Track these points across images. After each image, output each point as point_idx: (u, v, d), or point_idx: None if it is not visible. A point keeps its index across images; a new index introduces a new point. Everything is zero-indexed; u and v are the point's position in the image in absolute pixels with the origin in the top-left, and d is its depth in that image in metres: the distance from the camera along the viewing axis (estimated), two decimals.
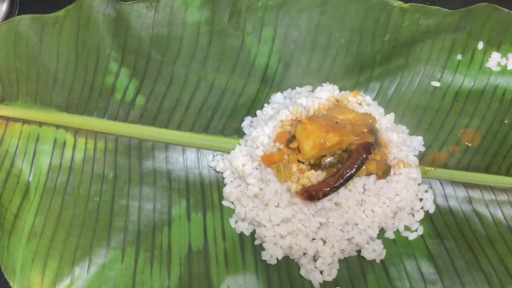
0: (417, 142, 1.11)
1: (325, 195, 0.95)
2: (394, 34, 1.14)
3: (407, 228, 1.04)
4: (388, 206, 1.01)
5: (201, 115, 1.13)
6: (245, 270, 0.99)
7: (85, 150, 1.07)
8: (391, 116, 1.11)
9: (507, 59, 1.12)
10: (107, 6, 1.10)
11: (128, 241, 0.99)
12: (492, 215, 1.06)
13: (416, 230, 1.04)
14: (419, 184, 1.06)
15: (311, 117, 1.03)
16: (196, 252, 1.00)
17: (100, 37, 1.10)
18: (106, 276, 0.95)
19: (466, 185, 1.10)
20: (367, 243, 1.00)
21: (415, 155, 1.09)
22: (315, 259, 1.00)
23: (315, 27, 1.14)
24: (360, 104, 1.09)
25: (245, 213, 1.01)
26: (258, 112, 1.13)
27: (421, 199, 1.06)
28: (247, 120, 1.13)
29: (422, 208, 1.06)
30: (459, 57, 1.13)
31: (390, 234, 1.03)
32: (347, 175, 0.95)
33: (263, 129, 1.05)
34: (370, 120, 1.03)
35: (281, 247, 0.99)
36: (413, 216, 1.05)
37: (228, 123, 1.14)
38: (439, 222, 1.05)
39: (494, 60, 1.12)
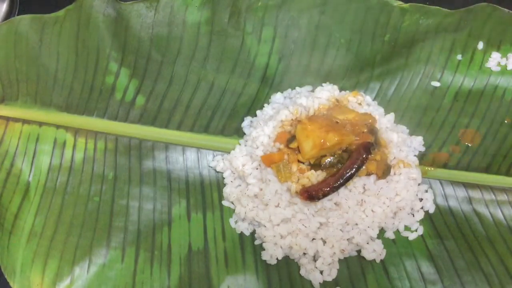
0: (417, 142, 1.11)
1: (325, 195, 0.95)
2: (394, 34, 1.14)
3: (407, 228, 1.04)
4: (388, 206, 1.01)
5: (201, 115, 1.13)
6: (245, 270, 0.99)
7: (85, 150, 1.07)
8: (391, 116, 1.11)
9: (507, 59, 1.12)
10: (107, 6, 1.10)
11: (128, 241, 0.99)
12: (492, 215, 1.06)
13: (416, 230, 1.04)
14: (419, 184, 1.06)
15: (311, 117, 1.03)
16: (196, 252, 1.00)
17: (100, 37, 1.10)
18: (106, 276, 0.95)
19: (466, 185, 1.10)
20: (367, 243, 1.00)
21: (415, 155, 1.09)
22: (315, 259, 1.00)
23: (315, 27, 1.14)
24: (360, 104, 1.09)
25: (245, 213, 1.01)
26: (258, 112, 1.13)
27: (421, 199, 1.06)
28: (247, 120, 1.13)
29: (422, 208, 1.06)
30: (459, 57, 1.13)
31: (390, 234, 1.03)
32: (347, 175, 0.95)
33: (263, 129, 1.05)
34: (370, 120, 1.03)
35: (281, 247, 0.99)
36: (413, 216, 1.05)
37: (228, 123, 1.14)
38: (439, 222, 1.05)
39: (494, 60, 1.12)
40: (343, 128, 0.99)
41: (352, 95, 1.09)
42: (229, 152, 1.09)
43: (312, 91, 1.12)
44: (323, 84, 1.13)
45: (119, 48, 1.11)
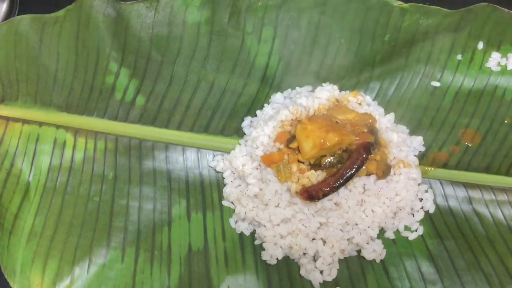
0: (417, 142, 1.11)
1: (325, 195, 0.95)
2: (394, 34, 1.14)
3: (407, 228, 1.04)
4: (388, 206, 1.01)
5: (201, 115, 1.13)
6: (245, 270, 0.99)
7: (85, 150, 1.07)
8: (391, 116, 1.11)
9: (507, 59, 1.12)
10: (107, 6, 1.10)
11: (128, 241, 0.99)
12: (492, 215, 1.06)
13: (416, 230, 1.04)
14: (419, 184, 1.06)
15: (311, 117, 1.03)
16: (196, 252, 1.00)
17: (100, 37, 1.10)
18: (106, 276, 0.95)
19: (466, 185, 1.10)
20: (367, 243, 1.00)
21: (415, 155, 1.09)
22: (315, 259, 1.00)
23: (315, 27, 1.14)
24: (360, 104, 1.09)
25: (245, 213, 1.01)
26: (258, 112, 1.13)
27: (421, 199, 1.06)
28: (247, 120, 1.13)
29: (422, 208, 1.06)
30: (459, 57, 1.13)
31: (390, 234, 1.03)
32: (347, 175, 0.95)
33: (263, 129, 1.05)
34: (370, 120, 1.03)
35: (281, 247, 0.99)
36: (413, 216, 1.05)
37: (228, 123, 1.14)
38: (439, 222, 1.05)
39: (494, 60, 1.12)
40: (343, 128, 0.99)
41: (352, 95, 1.09)
42: (229, 152, 1.09)
43: (312, 91, 1.12)
44: (323, 84, 1.13)
45: (119, 48, 1.11)
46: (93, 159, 1.07)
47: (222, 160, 1.09)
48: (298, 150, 1.00)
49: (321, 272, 0.98)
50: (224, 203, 1.06)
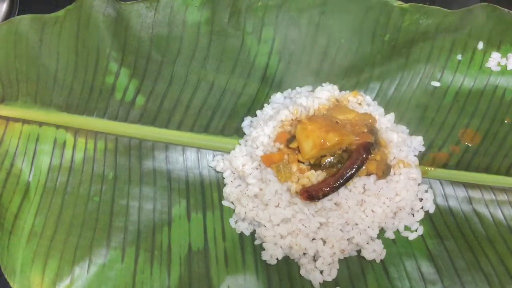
0: (417, 142, 1.11)
1: (325, 195, 0.95)
2: (394, 34, 1.14)
3: (407, 228, 1.04)
4: (388, 206, 1.01)
5: (201, 115, 1.13)
6: (245, 270, 0.99)
7: (85, 150, 1.07)
8: (391, 116, 1.11)
9: (507, 59, 1.12)
10: (107, 6, 1.10)
11: (128, 241, 0.99)
12: (492, 215, 1.06)
13: (416, 230, 1.04)
14: (419, 184, 1.06)
15: (311, 117, 1.03)
16: (196, 252, 1.00)
17: (100, 37, 1.10)
18: (106, 276, 0.95)
19: (466, 185, 1.10)
20: (367, 243, 1.00)
21: (415, 155, 1.09)
22: (315, 259, 1.00)
23: (315, 27, 1.14)
24: (360, 104, 1.09)
25: (245, 213, 1.01)
26: (258, 112, 1.13)
27: (421, 199, 1.06)
28: (247, 120, 1.13)
29: (422, 208, 1.06)
30: (459, 57, 1.13)
31: (390, 234, 1.03)
32: (347, 175, 0.95)
33: (263, 129, 1.05)
34: (370, 120, 1.03)
35: (281, 247, 0.99)
36: (413, 216, 1.05)
37: (228, 123, 1.14)
38: (439, 222, 1.05)
39: (494, 60, 1.12)
40: (343, 128, 0.99)
41: (352, 95, 1.09)
42: (229, 152, 1.09)
43: (312, 91, 1.12)
44: (323, 84, 1.13)
45: (119, 48, 1.11)
46: (93, 159, 1.07)
47: (222, 160, 1.09)
48: (298, 150, 1.00)
49: (321, 272, 0.98)
50: (224, 203, 1.06)
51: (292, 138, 1.01)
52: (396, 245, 1.03)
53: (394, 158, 1.04)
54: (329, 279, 0.98)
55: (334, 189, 0.95)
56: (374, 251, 1.00)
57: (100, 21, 1.10)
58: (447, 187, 1.10)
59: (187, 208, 1.04)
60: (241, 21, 1.13)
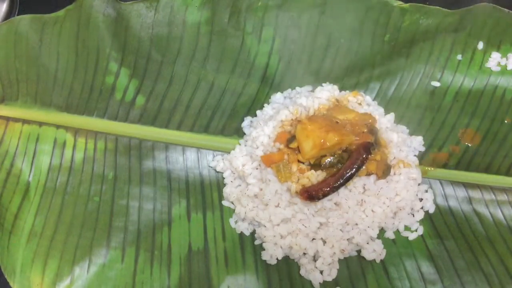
0: (417, 142, 1.11)
1: (325, 195, 0.95)
2: (394, 34, 1.14)
3: (407, 228, 1.04)
4: (388, 206, 1.01)
5: (201, 115, 1.13)
6: (245, 270, 0.99)
7: (85, 150, 1.07)
8: (391, 116, 1.11)
9: (507, 59, 1.12)
10: (107, 6, 1.10)
11: (128, 241, 0.99)
12: (492, 215, 1.06)
13: (416, 230, 1.04)
14: (419, 184, 1.06)
15: (311, 117, 1.03)
16: (196, 252, 1.00)
17: (100, 37, 1.10)
18: (106, 276, 0.95)
19: (466, 185, 1.10)
20: (367, 243, 1.00)
21: (415, 155, 1.09)
22: (315, 259, 1.00)
23: (315, 27, 1.14)
24: (360, 104, 1.09)
25: (245, 213, 1.01)
26: (258, 112, 1.13)
27: (421, 199, 1.06)
28: (247, 120, 1.13)
29: (422, 208, 1.06)
30: (459, 57, 1.13)
31: (390, 234, 1.03)
32: (347, 175, 0.95)
33: (263, 129, 1.05)
34: (370, 120, 1.03)
35: (281, 247, 0.99)
36: (413, 216, 1.05)
37: (228, 123, 1.14)
38: (439, 222, 1.05)
39: (494, 60, 1.12)
40: (343, 128, 0.99)
41: (352, 95, 1.09)
42: (229, 152, 1.09)
43: (312, 91, 1.12)
44: (323, 84, 1.13)
45: (119, 48, 1.11)
46: (93, 159, 1.07)
47: (222, 160, 1.09)
48: (298, 150, 1.00)
49: (321, 272, 0.98)
50: (224, 203, 1.06)
51: (292, 138, 1.01)
52: (396, 245, 1.03)
53: (394, 158, 1.04)
54: (329, 279, 0.98)
55: (334, 189, 0.95)
56: (374, 251, 1.00)
57: (100, 21, 1.10)
58: (447, 187, 1.10)
59: (187, 208, 1.04)
60: (241, 21, 1.13)
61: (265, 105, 1.13)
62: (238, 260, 1.00)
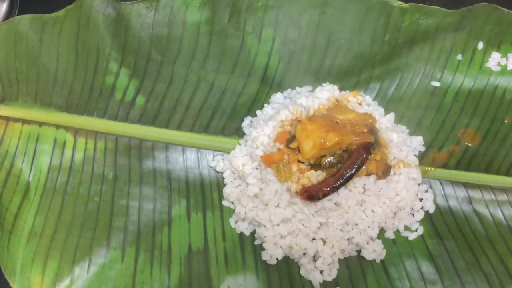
0: (417, 142, 1.11)
1: (325, 195, 0.95)
2: (394, 34, 1.14)
3: (407, 228, 1.04)
4: (388, 206, 1.01)
5: (201, 115, 1.13)
6: (245, 270, 0.99)
7: (85, 150, 1.07)
8: (391, 116, 1.11)
9: (507, 59, 1.12)
10: (107, 6, 1.10)
11: (128, 241, 0.99)
12: (492, 215, 1.06)
13: (416, 230, 1.04)
14: (419, 184, 1.06)
15: (311, 117, 1.03)
16: (196, 252, 1.00)
17: (100, 37, 1.10)
18: (106, 276, 0.95)
19: (466, 185, 1.10)
20: (367, 243, 1.00)
21: (415, 155, 1.09)
22: (315, 259, 1.00)
23: (315, 27, 1.14)
24: (360, 104, 1.09)
25: (245, 213, 1.01)
26: (258, 112, 1.13)
27: (421, 199, 1.06)
28: (247, 120, 1.13)
29: (422, 208, 1.06)
30: (459, 57, 1.13)
31: (390, 234, 1.03)
32: (347, 175, 0.95)
33: (263, 129, 1.05)
34: (370, 120, 1.03)
35: (281, 247, 0.99)
36: (413, 216, 1.05)
37: (228, 123, 1.14)
38: (439, 222, 1.05)
39: (494, 60, 1.12)
40: (343, 128, 0.99)
41: (352, 95, 1.09)
42: (229, 152, 1.09)
43: (312, 91, 1.12)
44: (323, 84, 1.13)
45: (119, 48, 1.11)
46: (93, 159, 1.07)
47: (222, 160, 1.09)
48: (298, 150, 1.00)
49: (321, 272, 0.98)
50: (224, 203, 1.06)
51: (292, 138, 1.01)
52: (396, 245, 1.03)
53: (394, 158, 1.04)
54: (329, 279, 0.98)
55: (334, 189, 0.95)
56: (374, 251, 1.00)
57: (100, 21, 1.10)
58: (447, 187, 1.10)
59: (187, 208, 1.04)
60: (241, 21, 1.13)
61: (265, 105, 1.13)
62: (238, 260, 1.00)
